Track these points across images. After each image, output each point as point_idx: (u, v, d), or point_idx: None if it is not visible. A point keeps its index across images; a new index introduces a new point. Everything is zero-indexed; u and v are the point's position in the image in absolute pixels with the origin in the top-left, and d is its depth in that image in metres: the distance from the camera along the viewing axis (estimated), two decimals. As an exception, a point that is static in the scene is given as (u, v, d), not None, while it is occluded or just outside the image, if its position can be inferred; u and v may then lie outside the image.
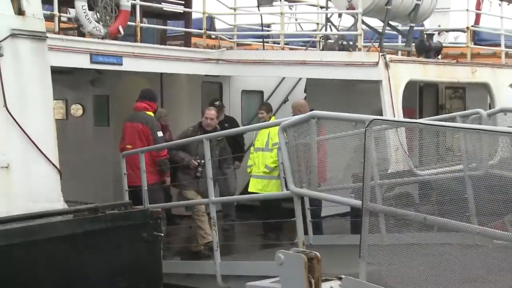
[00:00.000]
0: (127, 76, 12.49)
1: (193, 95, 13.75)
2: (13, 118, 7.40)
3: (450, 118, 9.94)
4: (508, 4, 15.75)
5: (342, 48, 12.88)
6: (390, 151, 7.06)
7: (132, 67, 10.90)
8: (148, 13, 12.52)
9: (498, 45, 14.99)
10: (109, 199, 10.88)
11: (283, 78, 15.10)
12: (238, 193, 12.57)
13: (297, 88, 15.28)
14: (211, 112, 10.71)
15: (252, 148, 11.59)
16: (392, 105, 11.27)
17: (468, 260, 5.77)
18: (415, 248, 5.88)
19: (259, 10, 14.42)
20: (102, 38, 10.46)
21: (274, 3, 15.04)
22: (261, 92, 15.24)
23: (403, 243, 5.88)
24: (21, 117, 7.47)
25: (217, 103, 12.19)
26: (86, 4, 10.25)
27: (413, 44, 13.32)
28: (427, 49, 13.42)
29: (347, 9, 12.27)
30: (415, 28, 13.13)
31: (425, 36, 13.86)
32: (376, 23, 13.17)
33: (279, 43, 13.69)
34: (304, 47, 15.07)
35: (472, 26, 14.68)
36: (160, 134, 10.63)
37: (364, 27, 12.32)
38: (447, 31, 16.66)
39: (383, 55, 11.41)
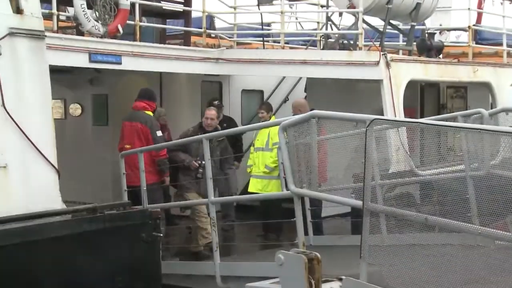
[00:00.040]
0: (126, 76, 12.48)
1: (192, 94, 13.75)
2: (11, 118, 7.39)
3: (452, 118, 9.94)
4: (510, 3, 15.75)
5: (343, 47, 12.87)
6: (391, 151, 7.05)
7: (131, 66, 10.90)
8: (147, 12, 12.51)
9: (500, 44, 14.98)
10: (108, 199, 10.87)
11: (283, 78, 15.10)
12: (238, 193, 12.56)
13: (297, 88, 15.28)
14: (212, 112, 10.68)
15: (252, 148, 11.59)
16: (393, 104, 11.27)
17: (469, 261, 5.77)
18: (416, 249, 5.87)
19: (259, 9, 14.41)
20: (101, 37, 10.45)
21: (274, 2, 15.04)
22: (261, 92, 15.23)
23: (404, 244, 5.87)
24: (19, 117, 7.46)
25: (215, 102, 12.18)
26: (85, 2, 10.24)
27: (414, 43, 13.31)
28: (428, 48, 13.42)
29: (348, 8, 12.27)
30: (416, 27, 13.13)
31: (426, 35, 13.86)
32: (377, 22, 13.16)
33: (279, 42, 13.69)
34: (305, 46, 15.05)
35: (473, 25, 14.66)
36: (159, 133, 10.63)
37: (365, 26, 12.31)
38: (449, 30, 16.65)
39: (384, 54, 11.40)
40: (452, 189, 5.92)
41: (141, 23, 11.55)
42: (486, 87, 13.84)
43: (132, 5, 11.06)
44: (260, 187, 11.05)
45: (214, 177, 9.40)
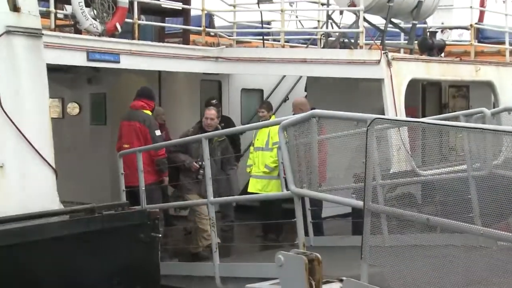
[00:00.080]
0: (125, 74, 12.48)
1: (191, 93, 13.74)
2: (8, 117, 7.38)
3: (454, 117, 9.93)
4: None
5: (344, 46, 12.88)
6: (392, 151, 7.06)
7: (129, 65, 10.89)
8: (146, 10, 12.50)
9: (503, 43, 14.96)
10: (106, 199, 10.85)
11: (283, 77, 15.10)
12: (237, 194, 12.56)
13: (297, 87, 15.27)
14: (211, 112, 10.64)
15: (252, 147, 11.58)
16: (394, 104, 11.26)
17: (471, 262, 5.77)
18: (418, 250, 5.87)
19: (259, 7, 14.39)
20: (99, 35, 10.44)
21: (274, 0, 15.02)
22: (261, 91, 15.23)
23: (406, 245, 5.87)
24: (16, 116, 7.45)
25: (213, 101, 12.16)
26: (83, 0, 10.23)
27: (416, 42, 13.30)
28: (430, 47, 13.41)
29: (349, 6, 12.26)
30: (417, 25, 13.12)
31: (428, 33, 13.85)
32: (378, 21, 13.16)
33: (279, 41, 13.67)
34: (305, 45, 15.05)
35: (476, 23, 14.66)
36: (158, 133, 10.61)
37: (366, 24, 12.30)
38: (451, 28, 16.64)
39: (385, 53, 11.40)
40: (454, 189, 5.91)
41: (140, 21, 11.54)
42: (488, 86, 13.83)
43: (131, 3, 11.04)
44: (260, 187, 11.05)
45: (215, 177, 9.41)
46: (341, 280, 6.45)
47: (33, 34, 7.71)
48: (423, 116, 13.64)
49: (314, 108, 8.98)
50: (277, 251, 6.43)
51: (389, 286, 5.78)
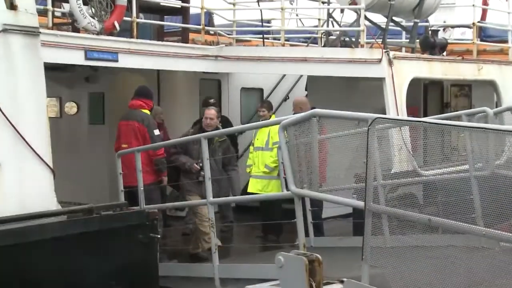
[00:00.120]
0: (123, 73, 12.48)
1: (191, 92, 13.74)
2: (5, 116, 7.38)
3: (456, 117, 9.93)
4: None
5: (344, 44, 12.87)
6: (394, 151, 7.05)
7: (128, 63, 10.89)
8: (144, 8, 12.50)
9: (505, 41, 14.97)
10: (105, 199, 10.86)
11: (284, 76, 15.09)
12: (239, 195, 12.56)
13: (297, 86, 15.27)
14: (211, 111, 10.60)
15: (251, 147, 11.58)
16: (396, 103, 11.27)
17: (474, 263, 5.76)
18: (419, 251, 5.87)
19: (259, 5, 14.40)
20: (97, 33, 10.43)
21: (274, -2, 15.04)
22: (261, 90, 15.23)
23: (407, 245, 5.87)
24: (13, 115, 7.45)
25: (211, 100, 12.14)
26: (80, -2, 10.24)
27: (418, 40, 13.30)
28: (431, 45, 13.41)
29: (350, 4, 12.25)
30: (419, 24, 13.12)
31: (430, 32, 13.84)
32: (379, 19, 13.15)
33: (279, 39, 13.67)
34: (305, 44, 15.05)
35: (478, 22, 14.66)
36: (157, 132, 10.61)
37: (367, 23, 12.30)
38: (453, 27, 16.64)
39: (387, 51, 11.40)
40: (456, 190, 5.91)
41: (138, 20, 11.53)
42: (491, 85, 13.83)
43: (129, 1, 11.03)
44: (260, 188, 11.05)
45: (216, 178, 9.39)
46: (342, 282, 6.45)
47: (30, 32, 7.71)
48: (425, 115, 13.64)
49: (314, 108, 8.97)
50: (277, 252, 6.43)
51: (390, 287, 5.77)
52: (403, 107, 11.39)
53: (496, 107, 12.48)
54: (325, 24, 13.72)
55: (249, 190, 11.15)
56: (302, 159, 7.41)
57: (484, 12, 16.34)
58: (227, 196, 10.71)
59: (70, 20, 10.79)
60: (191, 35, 13.35)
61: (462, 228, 5.50)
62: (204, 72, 13.05)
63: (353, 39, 12.71)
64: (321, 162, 7.31)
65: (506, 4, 15.25)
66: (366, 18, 12.13)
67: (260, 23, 14.18)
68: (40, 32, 7.90)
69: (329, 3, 13.58)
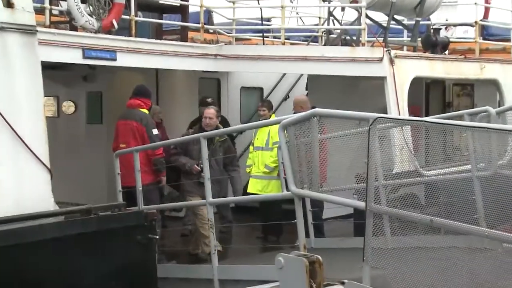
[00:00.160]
0: (121, 72, 12.47)
1: (190, 92, 13.74)
2: (2, 116, 7.37)
3: (458, 116, 9.93)
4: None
5: (345, 43, 12.87)
6: (395, 151, 7.04)
7: (126, 62, 10.88)
8: (143, 6, 12.50)
9: (508, 40, 14.97)
10: (103, 200, 10.85)
11: (284, 75, 15.09)
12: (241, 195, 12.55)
13: (298, 85, 15.27)
14: (210, 111, 10.59)
15: (251, 147, 11.58)
16: (397, 102, 11.27)
17: (476, 265, 5.75)
18: (421, 252, 5.86)
19: (258, 4, 14.40)
20: (95, 32, 10.44)
21: (274, -4, 15.03)
22: (261, 89, 15.24)
23: (409, 247, 5.86)
24: (10, 115, 7.43)
25: (209, 100, 12.13)
26: (78, -4, 10.24)
27: (419, 39, 13.30)
28: (433, 44, 13.41)
29: (351, 2, 12.26)
30: (421, 22, 13.12)
31: (432, 30, 13.84)
32: (381, 17, 13.15)
33: (279, 38, 13.67)
34: (306, 42, 15.05)
35: (480, 20, 14.66)
36: (155, 131, 10.59)
37: (368, 21, 12.30)
38: (455, 25, 16.64)
39: (388, 50, 11.40)
40: (458, 190, 5.91)
41: (137, 18, 11.53)
42: (493, 84, 13.83)
43: (127, -1, 11.05)
44: (260, 188, 11.05)
45: (216, 178, 9.37)
46: (342, 283, 6.44)
47: (27, 31, 7.69)
48: (427, 115, 13.64)
49: (315, 107, 8.97)
50: (277, 253, 6.41)
51: (392, 289, 5.78)
52: (404, 107, 11.38)
53: (499, 106, 12.49)
54: (326, 23, 13.72)
55: (249, 190, 11.15)
56: (303, 159, 7.41)
57: (487, 10, 16.35)
58: (225, 196, 10.71)
59: (67, 18, 10.77)
60: (190, 34, 13.35)
61: (464, 229, 5.50)
62: (203, 71, 13.05)
63: (354, 38, 12.71)
64: (321, 162, 7.32)
65: (509, 2, 15.24)
66: (367, 16, 12.13)
67: (260, 22, 14.19)
68: (37, 31, 7.89)
69: (329, 1, 13.58)
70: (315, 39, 15.03)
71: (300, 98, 11.57)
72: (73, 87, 13.61)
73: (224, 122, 12.73)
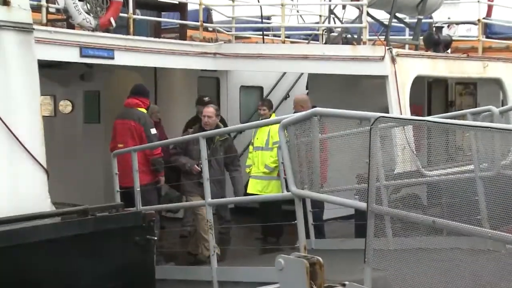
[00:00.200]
0: (119, 71, 12.47)
1: (188, 91, 13.74)
2: (-3, 115, 7.37)
3: (460, 116, 9.93)
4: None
5: (346, 41, 12.87)
6: (397, 151, 7.04)
7: (124, 61, 10.88)
8: (141, 4, 12.49)
9: (511, 38, 14.97)
10: (100, 200, 10.85)
11: (284, 73, 15.09)
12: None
13: (298, 84, 15.28)
14: (209, 109, 10.57)
15: (251, 147, 11.57)
16: (399, 101, 11.26)
17: (479, 266, 5.75)
18: (423, 253, 5.86)
19: (258, 1, 14.40)
20: (93, 30, 10.43)
21: (274, -6, 15.03)
22: (261, 88, 15.23)
23: (411, 248, 5.86)
24: (6, 114, 7.42)
25: (206, 98, 12.12)
26: (75, -6, 10.23)
27: (421, 37, 13.30)
28: (436, 42, 13.41)
29: (352, 0, 12.25)
30: (423, 20, 13.11)
31: (434, 29, 13.84)
32: (382, 15, 13.14)
33: (279, 36, 13.67)
34: (306, 41, 15.05)
35: (483, 18, 14.66)
36: (153, 131, 10.58)
37: (369, 19, 12.30)
38: (457, 23, 16.64)
39: (390, 49, 11.39)
40: (460, 191, 5.90)
41: (135, 16, 11.53)
42: (496, 83, 13.83)
43: (125, -4, 11.05)
44: (260, 188, 11.05)
45: (217, 178, 9.35)
46: (343, 285, 6.43)
47: (24, 29, 7.68)
48: (429, 114, 13.64)
49: (315, 106, 8.97)
50: (277, 254, 6.42)
51: (393, 290, 5.77)
52: (406, 106, 11.38)
53: (502, 105, 12.49)
54: (327, 21, 13.72)
55: (248, 191, 11.15)
56: (303, 159, 7.40)
57: (490, 8, 16.37)
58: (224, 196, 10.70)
59: (64, 16, 10.77)
60: (189, 32, 13.36)
61: (467, 230, 5.49)
62: (202, 70, 13.05)
63: (355, 36, 12.71)
64: (322, 162, 7.30)
65: (512, 0, 15.26)
66: (368, 14, 12.13)
67: (260, 20, 14.19)
68: (33, 29, 7.87)
69: (330, -1, 13.59)
70: (315, 38, 15.03)
71: (300, 97, 11.57)
72: (70, 86, 13.61)
73: (222, 122, 12.74)
